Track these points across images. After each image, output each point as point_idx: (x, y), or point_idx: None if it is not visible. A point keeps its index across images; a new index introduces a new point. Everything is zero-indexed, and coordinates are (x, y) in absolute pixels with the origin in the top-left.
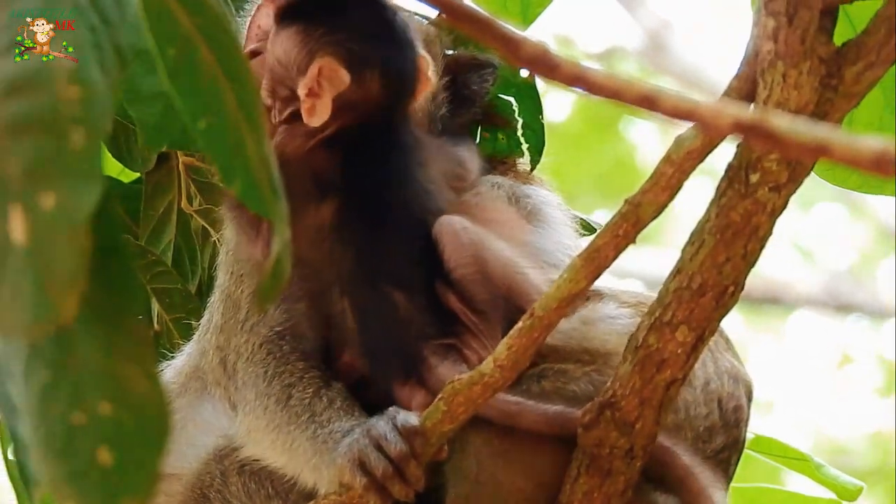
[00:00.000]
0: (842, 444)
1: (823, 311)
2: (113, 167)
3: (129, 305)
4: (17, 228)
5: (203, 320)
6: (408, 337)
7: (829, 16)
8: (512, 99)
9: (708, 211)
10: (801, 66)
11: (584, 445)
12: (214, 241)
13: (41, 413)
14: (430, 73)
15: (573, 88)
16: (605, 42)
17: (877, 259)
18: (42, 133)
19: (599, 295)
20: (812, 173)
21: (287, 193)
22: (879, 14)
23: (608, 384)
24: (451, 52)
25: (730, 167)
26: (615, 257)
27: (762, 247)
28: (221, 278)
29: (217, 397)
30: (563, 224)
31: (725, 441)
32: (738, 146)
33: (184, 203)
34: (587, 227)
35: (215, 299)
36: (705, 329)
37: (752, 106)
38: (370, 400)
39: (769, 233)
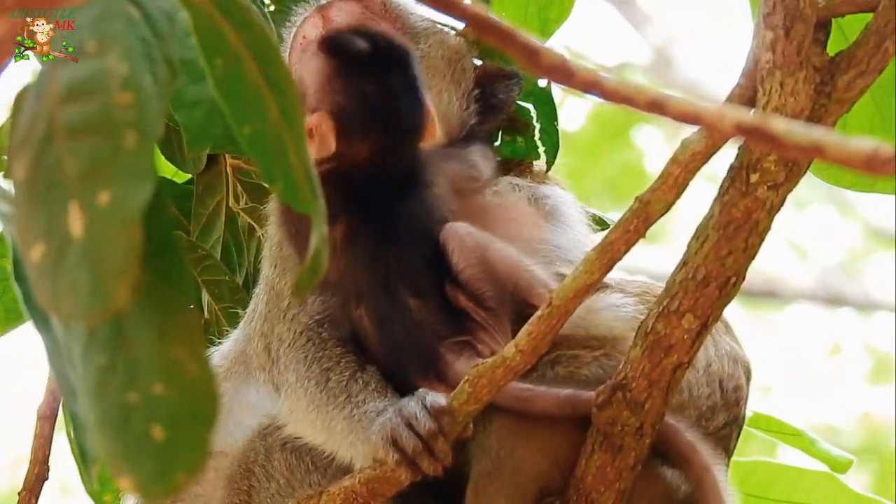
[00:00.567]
0: (832, 426)
1: (816, 304)
2: (167, 169)
3: (181, 294)
4: (75, 223)
5: (249, 309)
6: (424, 338)
7: (823, 28)
8: (530, 106)
9: (711, 208)
10: (797, 75)
11: (597, 424)
12: (259, 237)
13: (98, 393)
14: (437, 128)
15: (589, 95)
16: (614, 57)
17: (865, 255)
18: (98, 136)
19: (605, 286)
20: (807, 173)
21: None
22: (869, 27)
23: (620, 367)
24: (479, 63)
25: (732, 167)
26: (627, 251)
27: (761, 241)
28: (266, 270)
29: (261, 381)
30: (578, 222)
31: (726, 418)
32: (739, 148)
33: (231, 202)
34: (601, 223)
35: (260, 290)
36: (709, 317)
37: (752, 111)
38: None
39: (768, 228)
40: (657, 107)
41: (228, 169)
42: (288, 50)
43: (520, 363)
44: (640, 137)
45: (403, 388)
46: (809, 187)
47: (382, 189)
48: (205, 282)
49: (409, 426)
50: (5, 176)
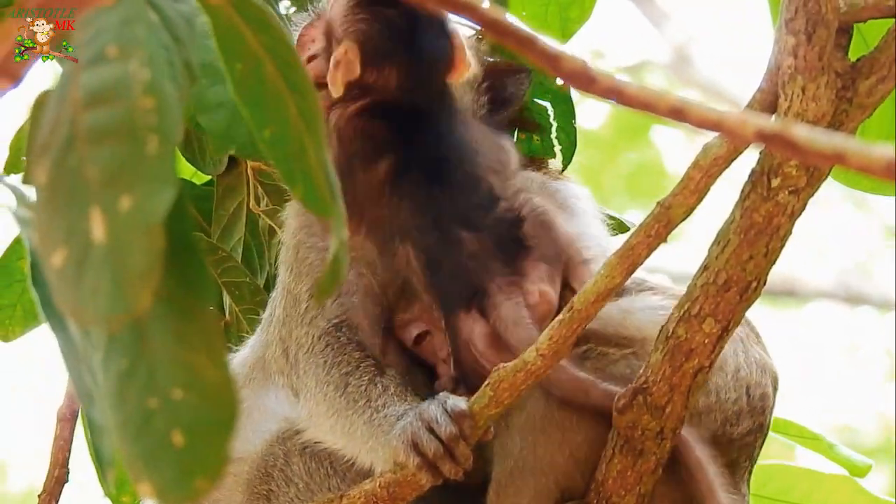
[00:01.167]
0: (850, 426)
1: (835, 303)
2: (186, 170)
3: (201, 299)
4: (97, 228)
5: (265, 314)
6: (473, 271)
7: (845, 33)
8: (548, 104)
9: (733, 212)
10: (818, 80)
11: (618, 427)
12: (280, 239)
13: (118, 398)
14: (468, 56)
15: (609, 100)
16: (634, 56)
17: (883, 254)
18: (120, 140)
19: (646, 288)
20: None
21: (344, 159)
22: (891, 32)
23: (640, 372)
24: (489, 59)
25: (753, 172)
26: (648, 255)
27: (783, 245)
28: (282, 275)
29: (280, 385)
30: (589, 215)
31: (751, 425)
32: (760, 153)
33: (252, 204)
34: (621, 227)
35: (277, 294)
36: (730, 321)
37: (773, 116)
38: (424, 353)
39: (789, 232)
40: (678, 113)
41: (249, 171)
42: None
43: (541, 367)
44: (660, 136)
45: (448, 325)
46: (827, 186)
47: (422, 125)
48: (225, 284)
49: (430, 430)
50: (24, 180)
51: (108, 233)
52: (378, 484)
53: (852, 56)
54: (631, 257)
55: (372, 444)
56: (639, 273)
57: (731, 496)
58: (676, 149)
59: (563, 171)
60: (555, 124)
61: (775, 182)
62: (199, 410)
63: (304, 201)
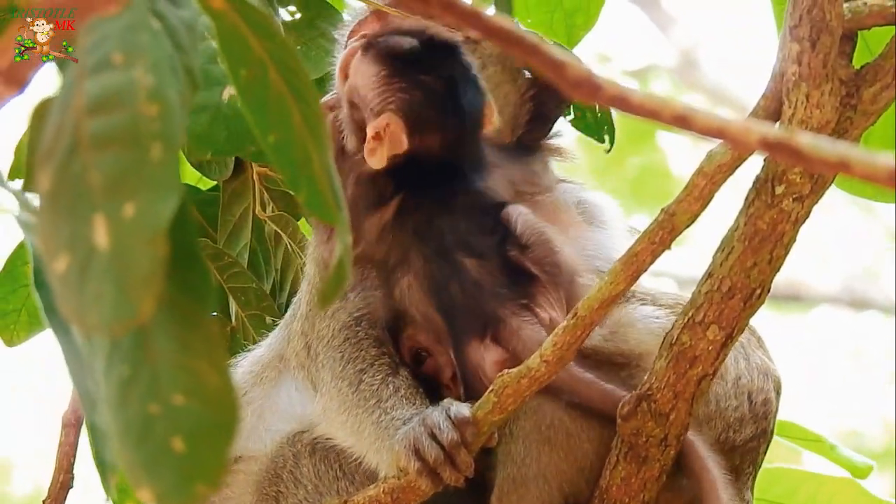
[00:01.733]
0: (855, 430)
1: (840, 307)
2: (192, 175)
3: (203, 305)
4: (100, 235)
5: (289, 311)
6: (481, 298)
7: (849, 41)
8: None
9: (737, 220)
10: (822, 87)
11: (622, 434)
12: (286, 244)
13: (120, 404)
14: (494, 118)
15: (614, 108)
16: (640, 60)
17: (888, 259)
18: (123, 147)
19: (639, 297)
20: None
21: (357, 204)
22: (894, 39)
23: (645, 378)
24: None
25: (757, 179)
26: (652, 262)
27: (787, 252)
28: (309, 270)
29: (300, 379)
30: (615, 227)
31: (754, 431)
32: (764, 160)
33: (258, 209)
34: None
35: (303, 289)
36: (734, 328)
37: (777, 124)
38: (428, 372)
39: (793, 239)
40: (682, 121)
41: (255, 177)
42: (339, 59)
43: (545, 374)
44: (665, 140)
45: (457, 352)
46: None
47: (444, 172)
48: (231, 289)
49: (433, 436)
50: (25, 186)
51: (112, 239)
52: (381, 490)
53: (856, 63)
54: (635, 264)
55: (378, 445)
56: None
57: (734, 501)
58: (682, 152)
59: (608, 150)
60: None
61: (779, 189)
62: (201, 416)
63: (307, 206)
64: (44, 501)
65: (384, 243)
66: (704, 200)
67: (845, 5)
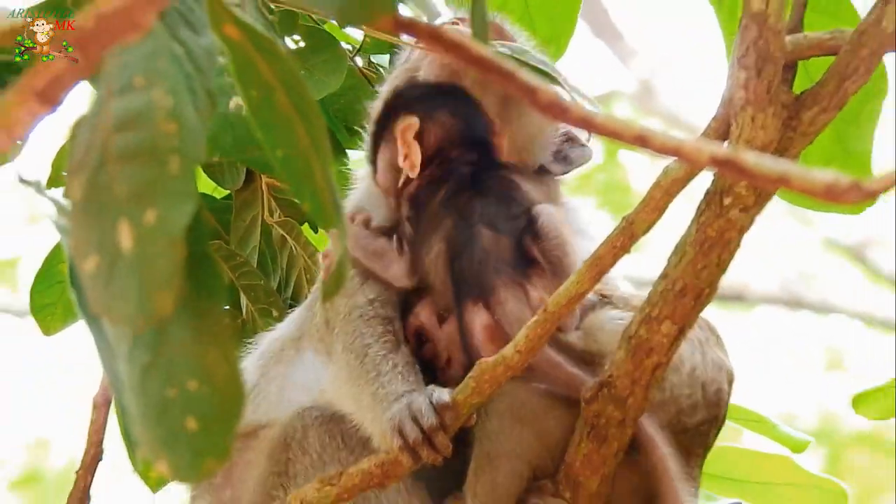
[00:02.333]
0: (791, 413)
1: (779, 307)
2: (207, 186)
3: (215, 302)
4: (125, 239)
5: (311, 293)
6: (486, 266)
7: (790, 69)
8: None
9: (689, 227)
10: (766, 110)
11: (585, 416)
12: (291, 247)
13: (141, 388)
14: (504, 139)
15: (580, 128)
16: (603, 87)
17: (822, 264)
18: (145, 161)
19: (609, 301)
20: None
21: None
22: (831, 69)
23: (607, 367)
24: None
25: (708, 192)
26: (613, 264)
27: (732, 256)
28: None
29: (320, 352)
30: (596, 237)
31: (705, 416)
32: (714, 175)
33: (266, 216)
34: None
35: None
36: (685, 323)
37: (726, 143)
38: (426, 356)
39: (738, 245)
40: (642, 140)
41: (263, 186)
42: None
43: (518, 362)
44: (627, 158)
45: (458, 313)
46: (773, 202)
47: (478, 164)
48: (242, 286)
49: (415, 419)
50: (65, 195)
51: (135, 243)
52: (373, 463)
53: (797, 90)
54: (598, 266)
55: (372, 416)
56: (607, 282)
57: (682, 473)
58: (641, 169)
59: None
60: None
61: (727, 201)
62: (212, 400)
63: (311, 214)
64: (77, 472)
65: (435, 217)
66: (660, 210)
67: (787, 38)
